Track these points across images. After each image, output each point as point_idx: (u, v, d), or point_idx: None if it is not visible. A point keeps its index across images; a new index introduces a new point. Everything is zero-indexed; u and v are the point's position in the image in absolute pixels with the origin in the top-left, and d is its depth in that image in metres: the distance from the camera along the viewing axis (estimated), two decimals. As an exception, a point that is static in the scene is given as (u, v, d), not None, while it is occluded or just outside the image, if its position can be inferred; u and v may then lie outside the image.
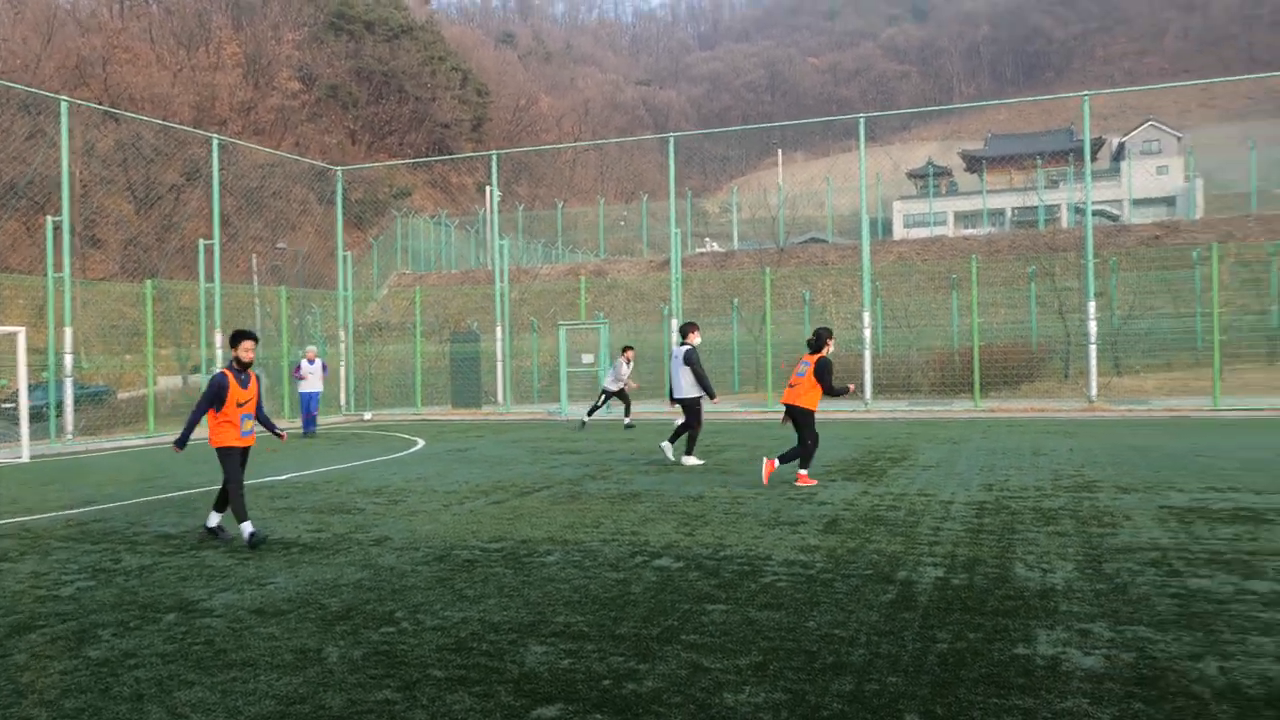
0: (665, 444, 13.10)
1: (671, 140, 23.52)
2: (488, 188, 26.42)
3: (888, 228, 66.29)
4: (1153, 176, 67.47)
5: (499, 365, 25.33)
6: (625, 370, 19.23)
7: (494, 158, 26.73)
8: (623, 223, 55.52)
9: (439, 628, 5.34)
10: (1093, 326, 21.19)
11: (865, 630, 5.10)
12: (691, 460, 12.55)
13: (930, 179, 71.46)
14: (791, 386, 10.71)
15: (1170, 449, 13.19)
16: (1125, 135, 78.79)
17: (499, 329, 25.49)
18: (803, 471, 10.52)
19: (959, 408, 21.52)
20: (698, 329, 12.85)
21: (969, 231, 60.51)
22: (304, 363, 19.49)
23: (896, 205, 70.10)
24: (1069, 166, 60.42)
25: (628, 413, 19.56)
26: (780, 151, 75.77)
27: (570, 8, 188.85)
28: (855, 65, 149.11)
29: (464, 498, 10.23)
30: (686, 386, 12.53)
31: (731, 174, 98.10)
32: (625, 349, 19.46)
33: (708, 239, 57.40)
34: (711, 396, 12.50)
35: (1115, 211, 61.23)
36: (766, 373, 23.20)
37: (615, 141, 79.65)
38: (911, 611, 5.45)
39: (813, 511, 8.81)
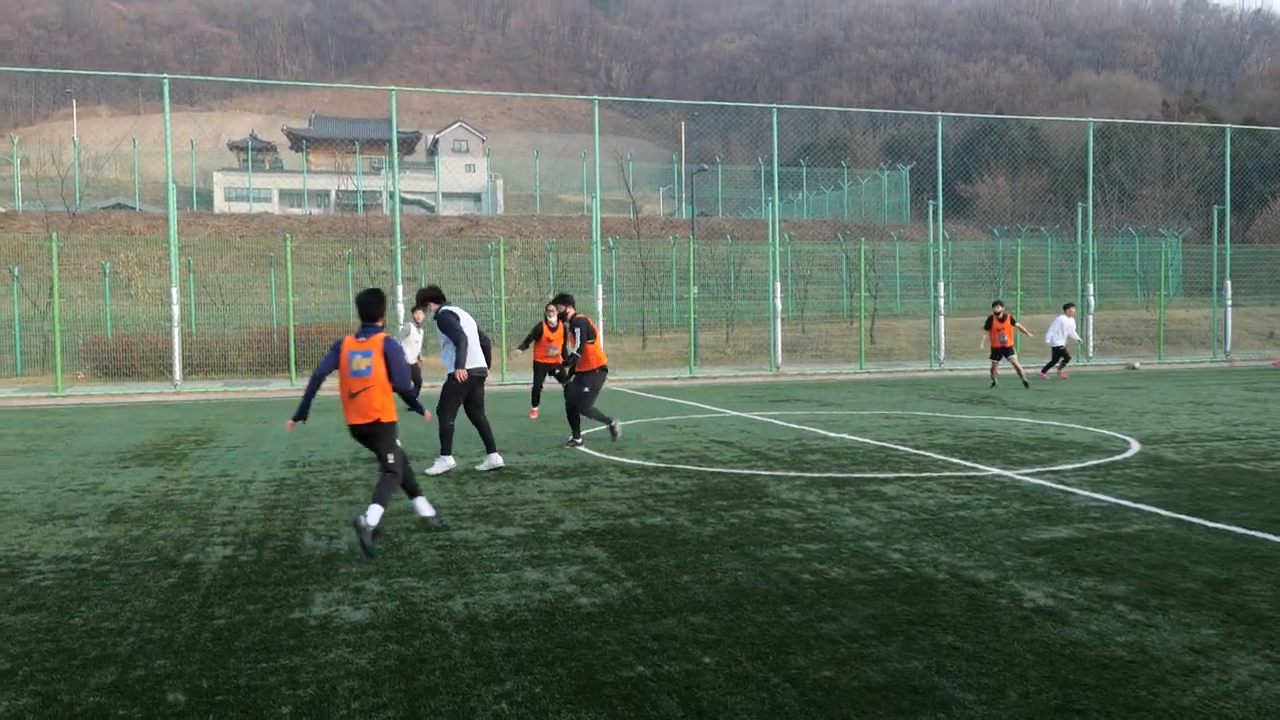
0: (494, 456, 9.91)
1: (-81, 70, 19.30)
2: None
3: (207, 199, 62.90)
4: (463, 173, 74.11)
5: None
6: (416, 334, 14.90)
7: None
8: None
9: None
10: (401, 309, 22.65)
11: (139, 618, 4.88)
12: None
13: (250, 152, 69.42)
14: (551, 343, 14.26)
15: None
16: (439, 132, 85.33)
17: None
18: None
19: (275, 387, 21.40)
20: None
21: (293, 210, 60.23)
22: None
23: (217, 177, 66.83)
24: (387, 156, 63.53)
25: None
26: (76, 102, 66.75)
27: None
28: (169, 20, 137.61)
29: None
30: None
31: (15, 121, 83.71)
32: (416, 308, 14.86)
33: (-20, 195, 48.40)
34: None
35: (431, 202, 66.03)
36: (55, 353, 20.45)
37: None
38: (193, 593, 5.35)
39: (96, 502, 8.08)
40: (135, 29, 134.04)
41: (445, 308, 9.49)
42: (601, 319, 25.29)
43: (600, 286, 25.03)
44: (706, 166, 45.48)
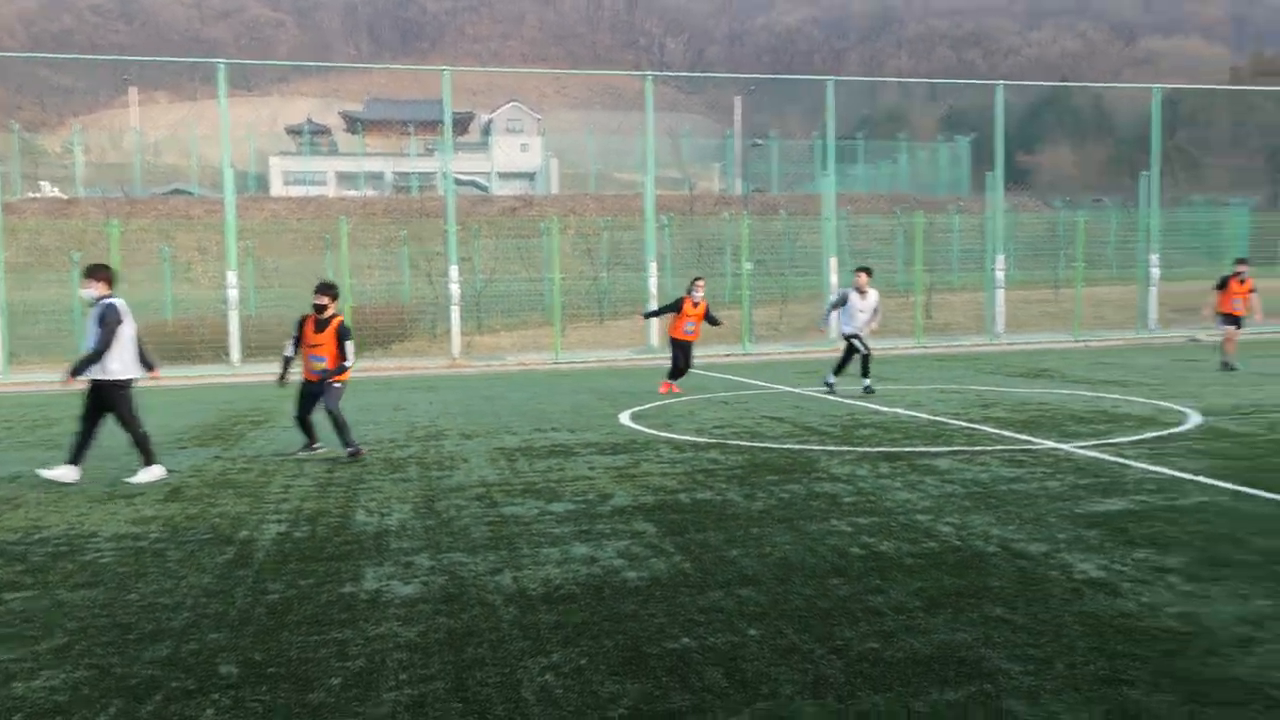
0: None
1: (-13, 62, 19.86)
2: None
3: (264, 183, 63.97)
4: (517, 153, 74.28)
5: None
6: (862, 302, 13.94)
7: None
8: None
9: None
10: (455, 289, 22.83)
11: (194, 594, 5.01)
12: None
13: (306, 136, 70.34)
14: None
15: (514, 399, 14.86)
16: (493, 112, 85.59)
17: None
18: None
19: (333, 367, 21.76)
20: None
21: (349, 193, 61.00)
22: None
23: (274, 161, 67.85)
24: (441, 137, 63.90)
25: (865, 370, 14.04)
26: (136, 90, 68.14)
27: None
28: (225, 6, 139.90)
29: None
30: None
31: (76, 109, 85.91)
32: (860, 270, 14.08)
33: (43, 182, 49.75)
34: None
35: (485, 183, 66.37)
36: (121, 335, 21.00)
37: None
38: (247, 569, 5.47)
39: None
40: (192, 15, 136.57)
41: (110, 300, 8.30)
42: (655, 296, 25.22)
43: (654, 264, 24.96)
44: (760, 141, 45.06)
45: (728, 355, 23.71)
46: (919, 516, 6.34)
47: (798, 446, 9.34)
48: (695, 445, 9.60)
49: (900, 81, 62.22)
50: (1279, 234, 30.65)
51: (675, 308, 14.60)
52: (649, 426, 11.06)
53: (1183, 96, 50.84)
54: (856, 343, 13.82)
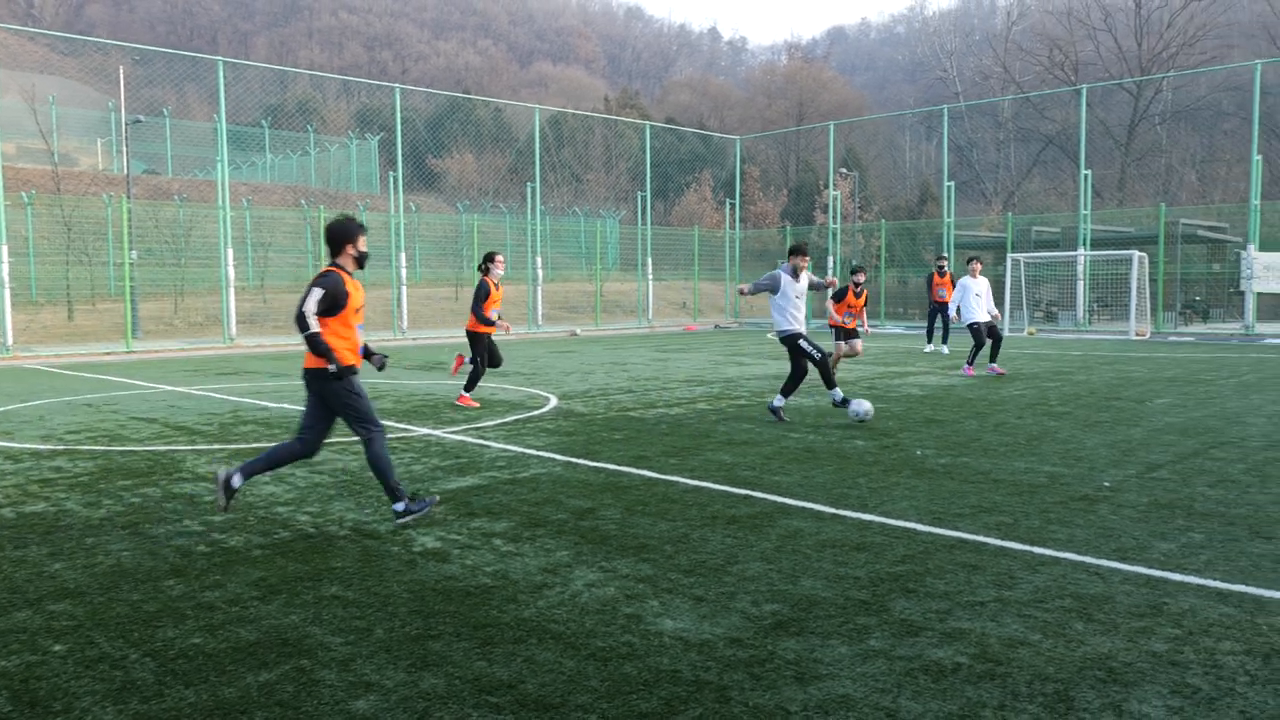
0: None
1: None
2: None
3: None
4: None
5: None
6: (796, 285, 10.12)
7: None
8: None
9: None
10: None
11: None
12: None
13: None
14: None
15: None
16: None
17: None
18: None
19: None
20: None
21: None
22: None
23: None
24: None
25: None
26: None
27: None
28: None
29: None
30: None
31: None
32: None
33: None
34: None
35: None
36: None
37: None
38: None
39: None
40: None
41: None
42: (8, 285, 21.65)
43: (5, 247, 21.40)
44: (143, 118, 41.14)
45: (108, 354, 21.29)
46: (279, 509, 6.29)
47: (164, 448, 8.71)
48: (38, 454, 8.45)
49: (310, 74, 61.03)
50: (636, 243, 36.06)
51: (484, 294, 11.16)
52: (-18, 435, 9.49)
53: (565, 118, 57.34)
54: (806, 345, 9.92)
